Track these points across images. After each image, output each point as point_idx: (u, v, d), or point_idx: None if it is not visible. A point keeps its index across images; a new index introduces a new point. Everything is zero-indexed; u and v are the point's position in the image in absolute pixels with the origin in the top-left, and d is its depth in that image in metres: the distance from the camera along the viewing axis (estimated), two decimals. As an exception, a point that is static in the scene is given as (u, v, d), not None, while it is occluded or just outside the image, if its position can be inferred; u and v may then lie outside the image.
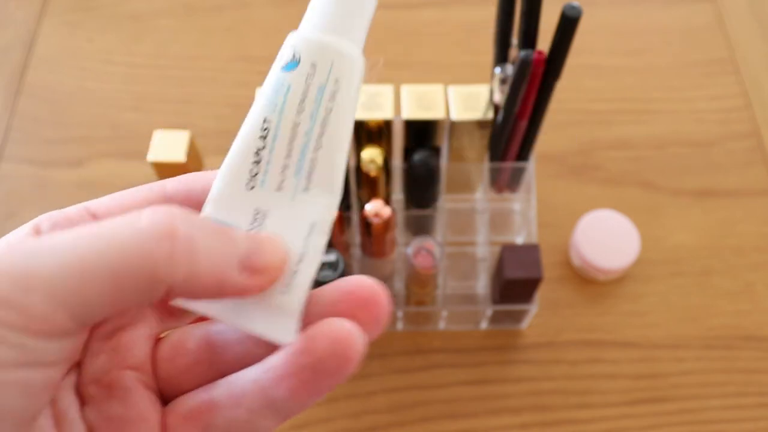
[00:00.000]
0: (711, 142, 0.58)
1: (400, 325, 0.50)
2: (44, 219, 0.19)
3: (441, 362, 0.49)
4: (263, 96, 0.20)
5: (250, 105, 0.48)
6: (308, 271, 0.19)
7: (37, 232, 0.18)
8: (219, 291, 0.18)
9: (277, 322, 0.18)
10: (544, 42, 0.39)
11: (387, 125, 0.44)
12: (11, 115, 0.59)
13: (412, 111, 0.43)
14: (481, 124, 0.45)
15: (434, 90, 0.44)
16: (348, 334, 0.17)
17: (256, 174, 0.20)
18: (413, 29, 0.64)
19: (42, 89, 0.61)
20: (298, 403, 0.18)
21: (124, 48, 0.63)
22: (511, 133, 0.44)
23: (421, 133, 0.45)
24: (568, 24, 0.36)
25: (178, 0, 0.66)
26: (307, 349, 0.17)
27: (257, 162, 0.20)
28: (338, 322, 0.17)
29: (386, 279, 0.48)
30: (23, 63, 0.62)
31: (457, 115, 0.44)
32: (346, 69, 0.20)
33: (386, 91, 0.44)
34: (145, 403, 0.19)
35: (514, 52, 0.40)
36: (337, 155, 0.20)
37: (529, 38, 0.39)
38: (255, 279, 0.18)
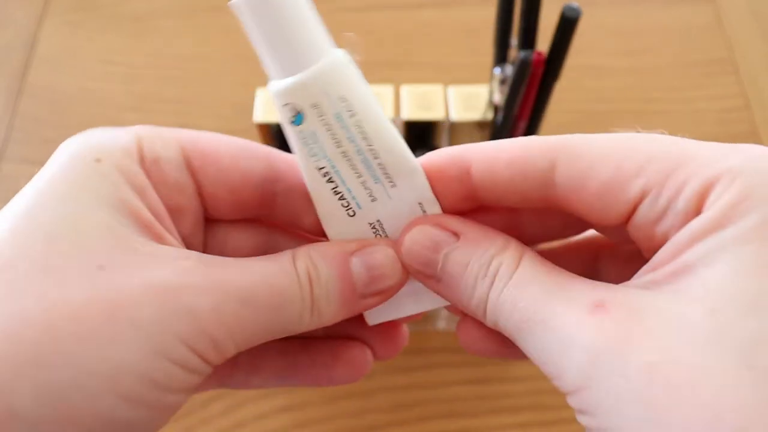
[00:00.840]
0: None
1: (400, 325, 0.50)
2: (145, 140, 0.19)
3: (441, 362, 0.49)
4: (300, 154, 0.20)
5: (250, 105, 0.48)
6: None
7: (141, 157, 0.19)
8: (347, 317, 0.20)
9: (424, 297, 0.21)
10: (544, 42, 0.39)
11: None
12: (12, 115, 0.59)
13: (412, 111, 0.43)
14: (480, 124, 0.45)
15: (434, 90, 0.44)
16: None
17: (348, 204, 0.21)
18: (413, 29, 0.64)
19: (43, 89, 0.61)
20: None
21: (125, 48, 0.63)
22: (511, 134, 0.44)
23: (420, 133, 0.45)
24: (567, 25, 0.37)
25: (179, 0, 0.66)
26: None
27: (341, 197, 0.21)
28: None
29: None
30: (24, 63, 0.62)
31: (456, 115, 0.44)
32: (340, 81, 0.20)
33: (386, 91, 0.44)
34: None
35: (514, 53, 0.40)
36: (392, 144, 0.20)
37: (528, 39, 0.39)
38: (379, 298, 0.20)
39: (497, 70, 0.42)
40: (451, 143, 0.47)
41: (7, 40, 0.64)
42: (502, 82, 0.42)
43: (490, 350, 0.21)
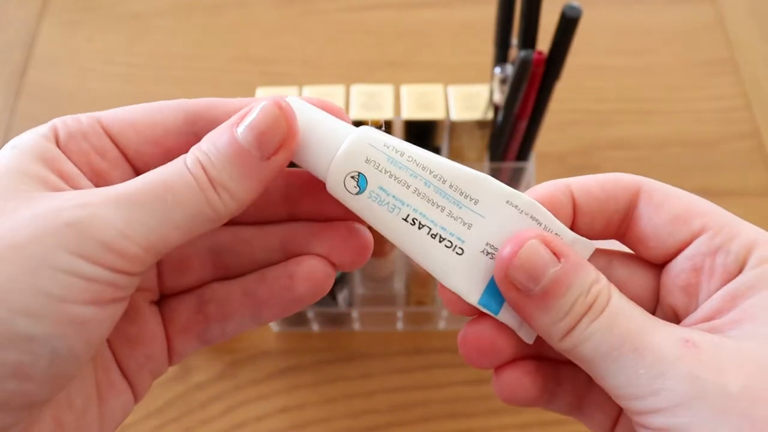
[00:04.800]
0: (711, 142, 0.58)
1: (400, 325, 0.50)
2: (59, 125, 0.20)
3: (441, 362, 0.49)
4: (383, 220, 0.21)
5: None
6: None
7: (56, 138, 0.20)
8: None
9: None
10: (544, 42, 0.39)
11: (387, 125, 0.44)
12: (11, 115, 0.59)
13: (412, 111, 0.43)
14: (480, 124, 0.45)
15: (434, 90, 0.44)
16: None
17: (451, 244, 0.21)
18: (413, 29, 0.64)
19: (42, 89, 0.61)
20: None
21: (124, 48, 0.63)
22: (511, 133, 0.44)
23: (421, 133, 0.45)
24: (567, 24, 0.36)
25: (178, 0, 0.66)
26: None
27: (440, 238, 0.21)
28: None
29: (386, 279, 0.48)
30: (23, 63, 0.62)
31: (457, 115, 0.44)
32: (376, 136, 0.21)
33: (386, 91, 0.44)
34: (154, 321, 0.22)
35: (514, 52, 0.40)
36: (447, 164, 0.21)
37: (529, 38, 0.39)
38: (282, 155, 0.20)
39: (497, 70, 0.42)
40: (451, 143, 0.47)
41: (6, 39, 0.64)
42: (503, 81, 0.42)
43: (531, 397, 0.23)
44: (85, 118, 0.21)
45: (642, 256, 0.22)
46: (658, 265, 0.22)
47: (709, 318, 0.19)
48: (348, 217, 0.22)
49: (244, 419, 0.47)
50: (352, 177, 0.21)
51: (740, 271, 0.19)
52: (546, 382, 0.23)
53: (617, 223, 0.21)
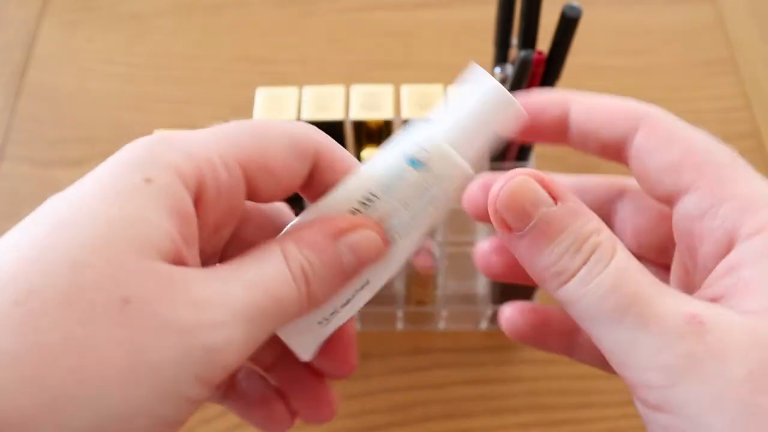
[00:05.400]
0: (711, 142, 0.58)
1: (400, 325, 0.50)
2: (207, 173, 0.19)
3: (441, 362, 0.49)
4: (375, 169, 0.21)
5: (250, 105, 0.48)
6: (346, 316, 0.23)
7: (199, 190, 0.19)
8: None
9: (303, 342, 0.22)
10: (544, 42, 0.39)
11: (387, 125, 0.44)
12: (11, 115, 0.59)
13: (412, 111, 0.43)
14: (481, 124, 0.44)
15: (434, 90, 0.44)
16: None
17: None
18: (413, 29, 0.64)
19: (42, 89, 0.61)
20: None
21: (124, 48, 0.63)
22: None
23: (421, 133, 0.45)
24: (568, 24, 0.36)
25: (178, 0, 0.66)
26: None
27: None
28: None
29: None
30: (23, 63, 0.62)
31: (457, 115, 0.44)
32: (457, 188, 0.21)
33: (386, 91, 0.44)
34: None
35: (514, 52, 0.40)
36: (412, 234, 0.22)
37: (529, 38, 0.39)
38: (357, 271, 0.21)
39: (497, 70, 0.42)
40: (451, 143, 0.46)
41: (6, 39, 0.64)
42: (503, 81, 0.42)
43: (525, 335, 0.23)
44: (233, 164, 0.19)
45: (645, 192, 0.21)
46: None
47: (718, 293, 0.18)
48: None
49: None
50: (425, 159, 0.21)
51: (729, 239, 0.18)
52: (537, 324, 0.23)
53: (614, 151, 0.21)
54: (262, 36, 0.64)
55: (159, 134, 0.19)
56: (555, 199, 0.18)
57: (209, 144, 0.19)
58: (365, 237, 0.20)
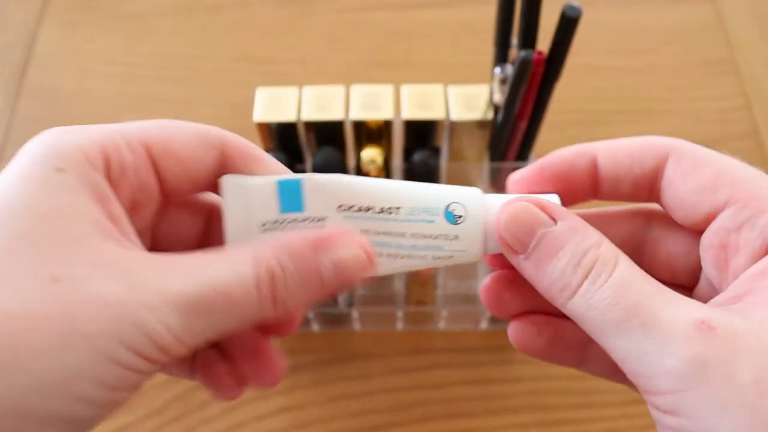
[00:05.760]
0: (711, 142, 0.57)
1: (400, 325, 0.50)
2: (112, 152, 0.20)
3: (441, 362, 0.49)
4: (412, 190, 0.21)
5: (250, 105, 0.48)
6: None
7: (107, 168, 0.20)
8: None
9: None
10: (544, 42, 0.39)
11: (387, 125, 0.44)
12: (11, 115, 0.59)
13: (412, 111, 0.43)
14: (481, 124, 0.45)
15: (434, 90, 0.44)
16: None
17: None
18: (413, 29, 0.64)
19: (42, 89, 0.61)
20: None
21: (124, 48, 0.63)
22: (511, 133, 0.44)
23: (421, 133, 0.45)
24: (568, 24, 0.36)
25: (178, 0, 0.66)
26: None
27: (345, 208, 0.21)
28: None
29: (386, 279, 0.48)
30: (23, 63, 0.62)
31: (457, 115, 0.44)
32: (460, 259, 0.22)
33: (386, 91, 0.44)
34: None
35: (514, 52, 0.40)
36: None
37: (529, 38, 0.39)
38: (342, 287, 0.20)
39: (497, 70, 0.42)
40: (451, 143, 0.47)
41: (6, 39, 0.64)
42: (503, 81, 0.42)
43: (537, 348, 0.23)
44: (136, 144, 0.20)
45: (677, 221, 0.21)
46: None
47: (737, 297, 0.19)
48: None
49: (244, 419, 0.47)
50: (461, 214, 0.21)
51: (766, 248, 0.19)
52: (549, 336, 0.23)
53: (647, 188, 0.21)
54: (262, 36, 0.64)
55: (60, 127, 0.21)
56: (554, 219, 0.19)
57: (112, 129, 0.20)
58: (351, 254, 0.20)
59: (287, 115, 0.43)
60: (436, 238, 0.21)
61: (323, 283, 0.20)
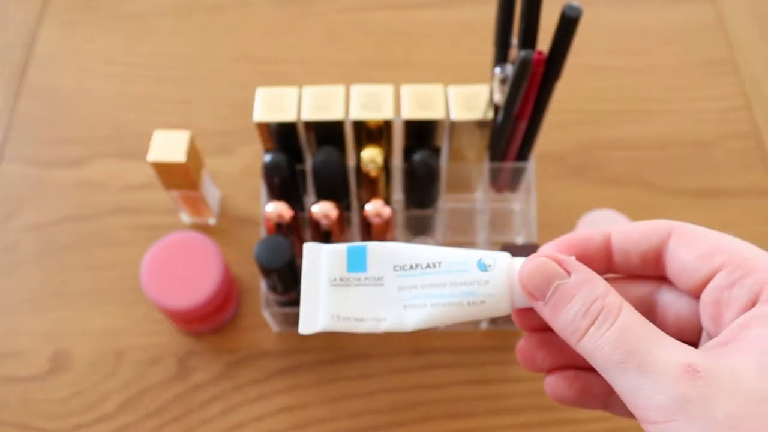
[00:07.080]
0: (711, 142, 0.58)
1: (400, 325, 0.50)
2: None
3: (441, 362, 0.49)
4: (453, 251, 0.25)
5: (250, 105, 0.48)
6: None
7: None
8: None
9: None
10: (544, 42, 0.39)
11: (387, 125, 0.44)
12: (11, 115, 0.59)
13: (412, 111, 0.43)
14: (481, 124, 0.45)
15: (434, 90, 0.44)
16: None
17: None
18: (413, 29, 0.64)
19: (42, 89, 0.61)
20: None
21: (124, 48, 0.63)
22: (511, 133, 0.44)
23: (421, 133, 0.45)
24: (568, 24, 0.36)
25: (178, 0, 0.66)
26: None
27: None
28: None
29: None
30: (23, 63, 0.62)
31: (457, 115, 0.44)
32: (491, 308, 0.24)
33: (386, 91, 0.44)
34: None
35: (514, 52, 0.40)
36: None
37: (529, 38, 0.39)
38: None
39: (497, 70, 0.42)
40: (451, 143, 0.47)
41: (6, 39, 0.64)
42: (503, 81, 0.42)
43: (569, 398, 0.27)
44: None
45: (680, 288, 0.25)
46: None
47: (725, 343, 0.22)
48: None
49: (244, 419, 0.47)
50: (489, 263, 0.25)
51: (754, 304, 0.22)
52: (579, 388, 0.26)
53: (653, 260, 0.25)
54: (262, 36, 0.64)
55: None
56: (568, 272, 0.23)
57: None
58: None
59: (287, 115, 0.43)
60: (470, 284, 0.24)
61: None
